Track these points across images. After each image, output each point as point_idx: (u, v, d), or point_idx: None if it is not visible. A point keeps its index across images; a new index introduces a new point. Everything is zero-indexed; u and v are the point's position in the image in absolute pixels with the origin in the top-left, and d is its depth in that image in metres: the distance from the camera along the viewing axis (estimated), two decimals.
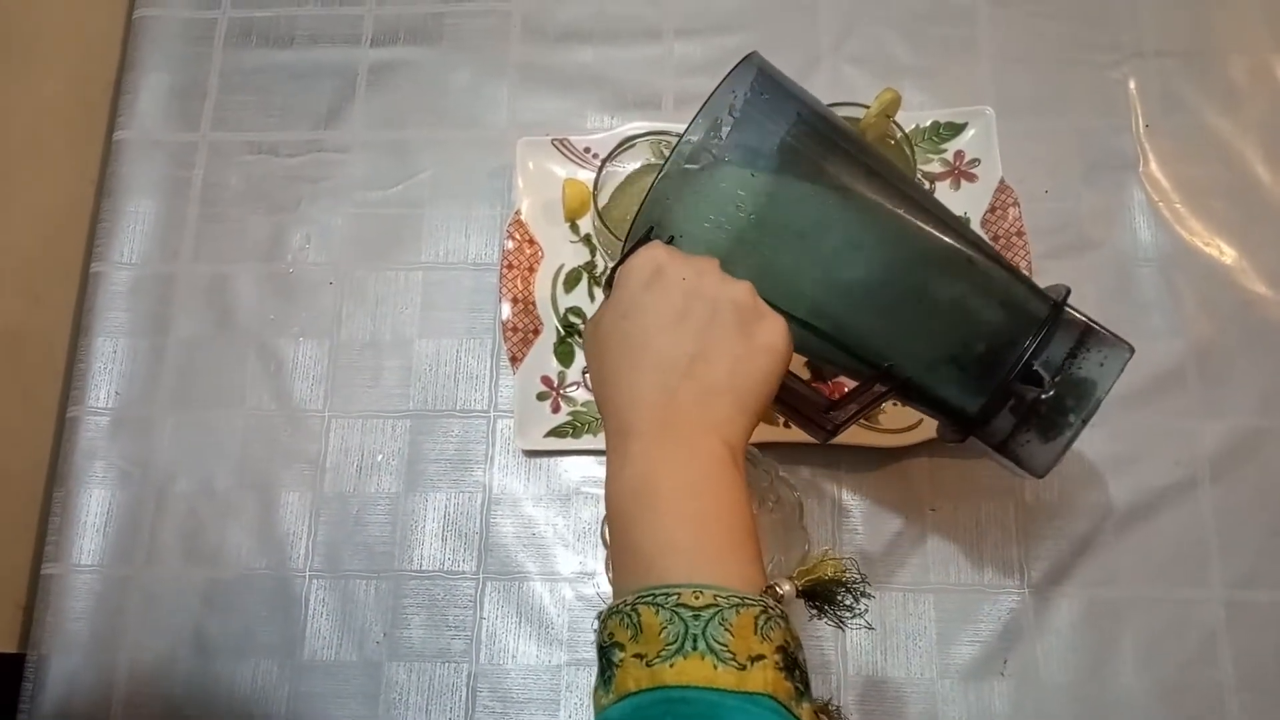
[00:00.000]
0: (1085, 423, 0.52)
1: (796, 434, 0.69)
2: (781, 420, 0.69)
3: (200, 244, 0.79)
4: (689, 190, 0.51)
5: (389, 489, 0.72)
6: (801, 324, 0.52)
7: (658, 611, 0.39)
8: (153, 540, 0.72)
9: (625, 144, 0.70)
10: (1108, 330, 0.53)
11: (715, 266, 0.49)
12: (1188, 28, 0.80)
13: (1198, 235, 0.74)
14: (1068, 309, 0.54)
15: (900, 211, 0.54)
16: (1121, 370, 0.52)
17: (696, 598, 0.39)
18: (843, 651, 0.67)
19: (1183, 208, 0.75)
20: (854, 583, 0.44)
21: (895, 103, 0.66)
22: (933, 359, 0.54)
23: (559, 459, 0.72)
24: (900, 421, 0.69)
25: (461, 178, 0.79)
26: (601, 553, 0.70)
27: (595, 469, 0.72)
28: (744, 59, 0.53)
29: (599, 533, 0.70)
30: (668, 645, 0.38)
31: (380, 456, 0.73)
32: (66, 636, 0.70)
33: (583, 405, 0.72)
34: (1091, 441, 0.70)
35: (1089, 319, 0.54)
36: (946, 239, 0.54)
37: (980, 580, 0.68)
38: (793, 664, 0.39)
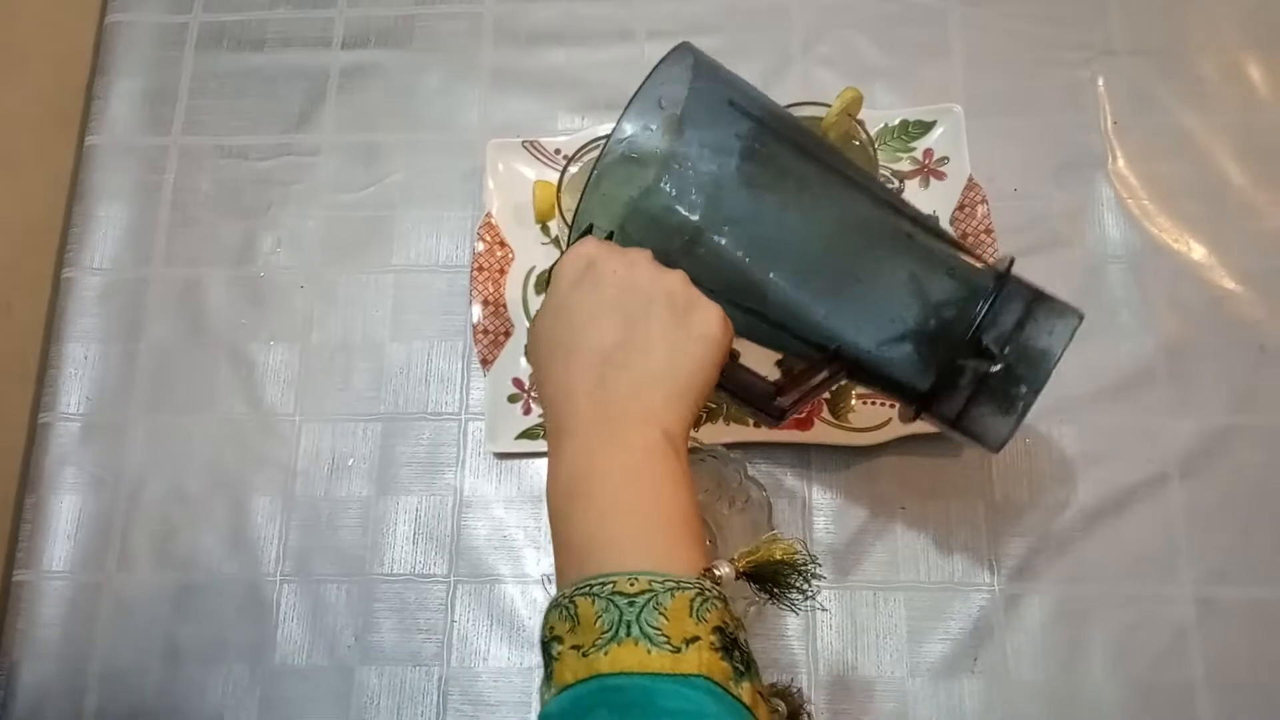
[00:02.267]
0: (1038, 393, 0.51)
1: (766, 433, 0.69)
2: (752, 421, 0.69)
3: (171, 249, 0.79)
4: (625, 184, 0.51)
5: (360, 492, 0.72)
6: (746, 310, 0.52)
7: (593, 601, 0.39)
8: (124, 546, 0.72)
9: (590, 144, 0.70)
10: (1055, 297, 0.53)
11: (648, 258, 0.49)
12: (1158, 26, 0.80)
13: (1167, 232, 0.74)
14: (1013, 277, 0.53)
15: (838, 192, 0.53)
16: (1072, 336, 0.51)
17: (631, 584, 0.39)
18: (813, 650, 0.67)
19: (1152, 205, 0.75)
20: (802, 564, 0.43)
21: (857, 101, 0.66)
22: (880, 338, 0.53)
23: (530, 461, 0.72)
24: (870, 420, 0.69)
25: (433, 180, 0.79)
26: None
27: None
28: (674, 49, 0.52)
29: None
30: (603, 634, 0.38)
31: (351, 460, 0.73)
32: (38, 643, 0.70)
33: None
34: (1061, 439, 0.70)
35: (1036, 286, 0.53)
36: (886, 216, 0.53)
37: (951, 578, 0.68)
38: (731, 644, 0.39)
